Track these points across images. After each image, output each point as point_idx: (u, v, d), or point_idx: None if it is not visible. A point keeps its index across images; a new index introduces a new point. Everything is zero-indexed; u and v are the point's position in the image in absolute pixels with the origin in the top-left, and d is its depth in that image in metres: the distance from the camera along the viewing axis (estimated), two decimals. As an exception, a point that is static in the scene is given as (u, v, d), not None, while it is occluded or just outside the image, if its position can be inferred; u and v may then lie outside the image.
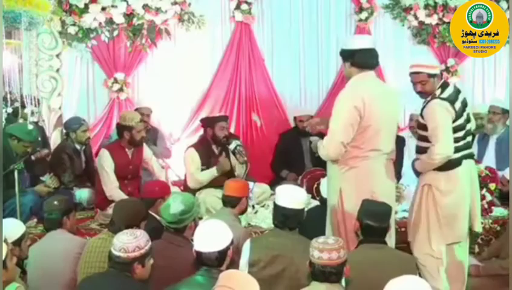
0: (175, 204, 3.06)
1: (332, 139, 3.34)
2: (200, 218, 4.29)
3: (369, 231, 3.01)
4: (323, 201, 4.05)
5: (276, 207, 3.12)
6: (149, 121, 5.69)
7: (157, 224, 3.48)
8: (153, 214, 3.63)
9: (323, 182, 4.12)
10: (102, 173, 4.63)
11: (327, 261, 2.50)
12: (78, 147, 5.06)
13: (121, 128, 4.68)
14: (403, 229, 3.92)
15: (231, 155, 4.89)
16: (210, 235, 2.64)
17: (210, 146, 4.84)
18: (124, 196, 4.40)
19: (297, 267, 2.88)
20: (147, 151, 4.91)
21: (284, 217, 3.07)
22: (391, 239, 3.41)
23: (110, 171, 4.60)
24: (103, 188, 4.62)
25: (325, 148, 3.39)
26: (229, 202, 3.67)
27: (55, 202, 3.45)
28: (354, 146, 3.33)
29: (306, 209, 4.27)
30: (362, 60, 3.39)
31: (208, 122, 4.90)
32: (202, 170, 4.79)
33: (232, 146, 4.80)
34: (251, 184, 4.68)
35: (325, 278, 2.52)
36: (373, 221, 2.99)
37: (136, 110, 5.63)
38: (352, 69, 3.42)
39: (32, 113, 5.39)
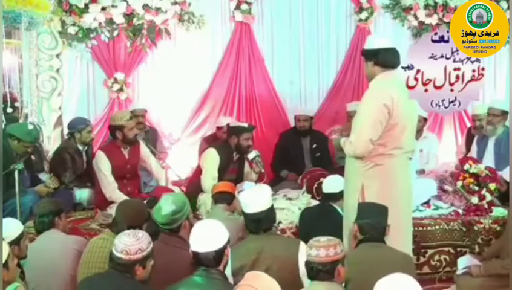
0: (166, 205, 3.05)
1: (360, 136, 3.35)
2: (200, 219, 4.29)
3: (367, 230, 3.03)
4: (324, 197, 4.08)
5: (246, 215, 3.15)
6: (145, 121, 5.70)
7: (157, 227, 3.48)
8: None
9: (328, 178, 4.16)
10: (100, 175, 4.62)
11: (314, 257, 2.55)
12: (81, 147, 5.06)
13: (112, 129, 4.66)
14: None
15: (246, 164, 4.91)
16: (207, 235, 2.63)
17: (232, 153, 4.82)
18: (124, 197, 4.39)
19: (280, 265, 2.91)
20: (144, 150, 4.89)
21: (256, 223, 3.10)
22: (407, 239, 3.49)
23: (107, 173, 4.58)
24: (102, 190, 4.61)
25: (353, 144, 3.38)
26: (224, 199, 3.79)
27: (45, 205, 3.48)
28: (380, 144, 3.35)
29: (306, 208, 4.35)
30: (385, 59, 3.44)
31: (235, 131, 4.86)
32: (218, 171, 4.74)
33: (251, 156, 4.81)
34: (252, 184, 4.69)
35: (314, 275, 2.56)
36: (370, 219, 3.02)
37: (130, 112, 5.64)
38: (375, 68, 3.45)
39: (32, 113, 5.41)
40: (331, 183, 4.08)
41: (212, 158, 4.71)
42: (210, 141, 5.59)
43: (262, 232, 3.09)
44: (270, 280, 2.44)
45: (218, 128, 5.79)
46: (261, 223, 3.09)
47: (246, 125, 5.08)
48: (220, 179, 4.63)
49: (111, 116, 5.11)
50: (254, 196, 3.17)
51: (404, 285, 2.27)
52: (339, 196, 3.89)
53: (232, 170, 4.85)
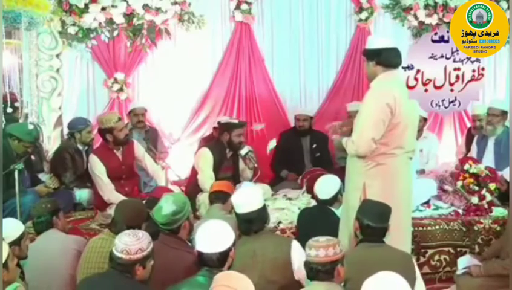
0: (166, 205, 3.03)
1: (363, 135, 3.34)
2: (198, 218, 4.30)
3: (368, 231, 3.01)
4: (319, 201, 4.05)
5: (238, 216, 3.14)
6: (145, 120, 5.70)
7: (156, 227, 3.48)
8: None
9: (320, 182, 4.10)
10: (95, 179, 4.61)
11: (314, 258, 2.55)
12: (81, 147, 5.06)
13: (102, 132, 4.64)
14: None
15: (240, 160, 4.91)
16: (212, 236, 2.63)
17: (225, 150, 4.83)
18: (122, 197, 4.36)
19: (273, 268, 2.90)
20: (138, 149, 4.86)
21: (247, 223, 3.09)
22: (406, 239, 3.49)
23: (103, 176, 4.57)
24: (100, 193, 4.61)
25: (355, 144, 3.38)
26: (219, 198, 3.81)
27: (43, 205, 3.48)
28: (382, 143, 3.35)
29: (304, 208, 4.34)
30: (387, 58, 3.45)
31: (226, 127, 4.86)
32: (213, 169, 4.75)
33: (243, 151, 4.81)
34: (251, 185, 4.69)
35: (313, 275, 2.56)
36: (373, 221, 3.00)
37: (131, 111, 5.64)
38: (377, 68, 3.46)
39: (32, 113, 5.40)
40: (322, 190, 4.00)
41: (206, 157, 4.72)
42: (208, 141, 5.60)
43: (253, 233, 3.07)
44: (243, 277, 2.40)
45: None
46: (252, 223, 3.08)
47: (236, 121, 5.09)
48: (216, 177, 4.65)
49: (97, 120, 5.01)
50: (244, 196, 3.16)
51: (391, 282, 2.28)
52: (332, 201, 3.90)
53: (226, 168, 4.87)
